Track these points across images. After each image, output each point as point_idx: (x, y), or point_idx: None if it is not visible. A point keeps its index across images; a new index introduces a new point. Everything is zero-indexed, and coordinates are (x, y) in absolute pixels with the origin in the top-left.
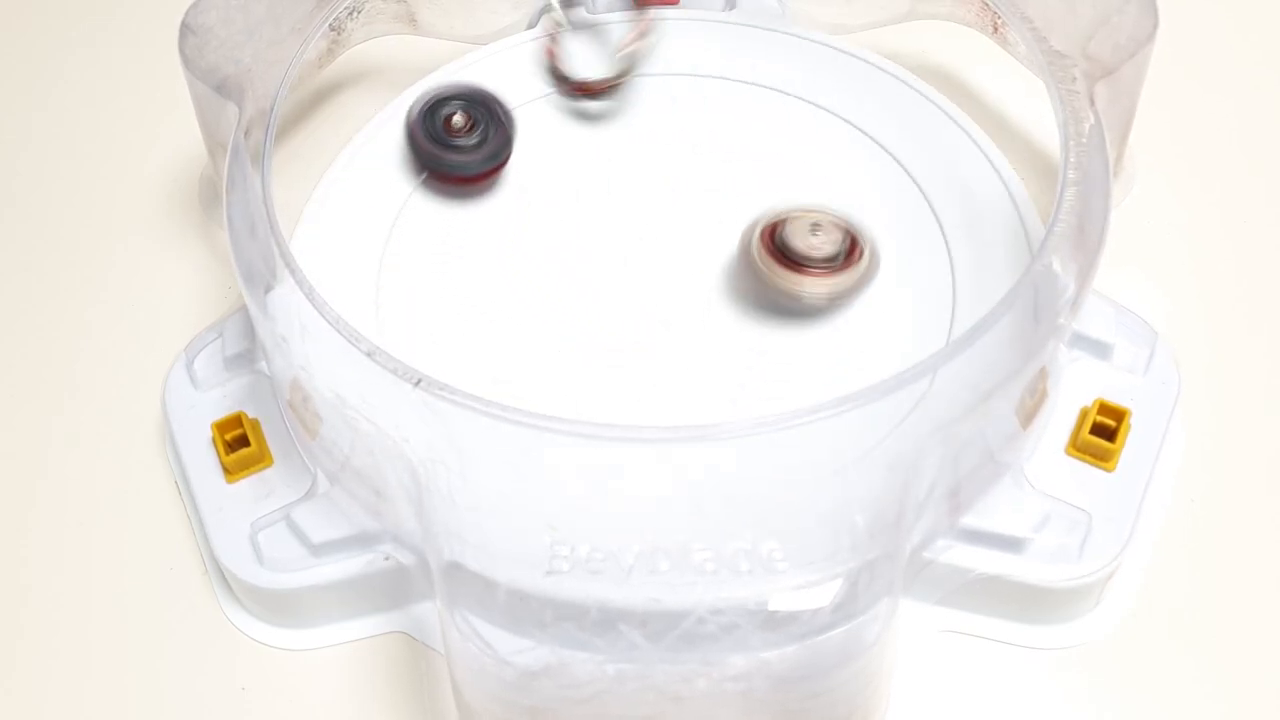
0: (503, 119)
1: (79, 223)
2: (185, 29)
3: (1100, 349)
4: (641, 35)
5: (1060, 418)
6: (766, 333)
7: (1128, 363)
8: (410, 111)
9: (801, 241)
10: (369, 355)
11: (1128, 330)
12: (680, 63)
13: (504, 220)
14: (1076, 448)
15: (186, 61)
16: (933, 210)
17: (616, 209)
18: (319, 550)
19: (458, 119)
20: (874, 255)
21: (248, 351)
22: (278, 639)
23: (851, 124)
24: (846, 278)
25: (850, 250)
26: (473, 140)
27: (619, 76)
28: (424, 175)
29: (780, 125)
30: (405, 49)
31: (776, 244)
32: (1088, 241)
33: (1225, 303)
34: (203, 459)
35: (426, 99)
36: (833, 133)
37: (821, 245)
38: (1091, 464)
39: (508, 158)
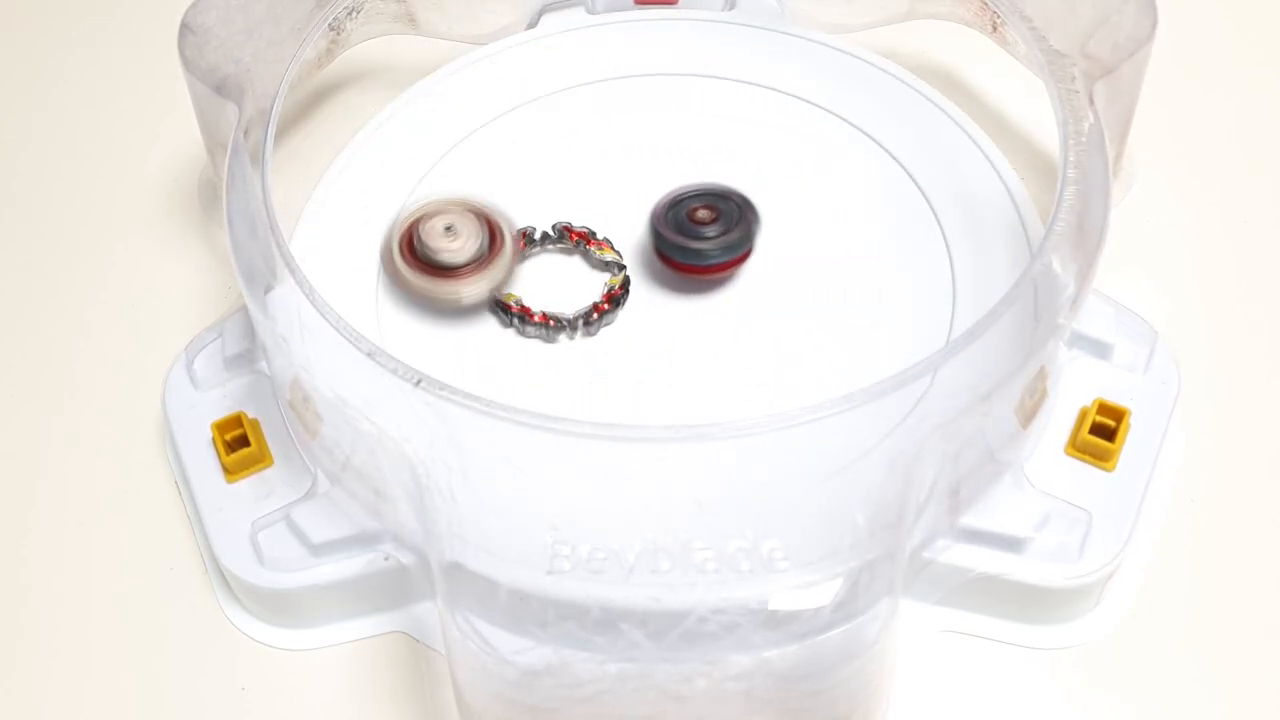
0: (747, 214)
1: (79, 223)
2: (185, 29)
3: (1100, 348)
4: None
5: (1060, 417)
6: (766, 332)
7: (1127, 362)
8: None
9: (441, 246)
10: (369, 355)
11: (1127, 330)
12: (680, 63)
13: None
14: (1076, 447)
15: (186, 61)
16: (933, 210)
17: (615, 209)
18: (319, 550)
19: (703, 213)
20: (511, 235)
21: (248, 351)
22: (278, 639)
23: (851, 124)
24: (497, 270)
25: (492, 241)
26: (714, 231)
27: None
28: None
29: (780, 125)
30: (405, 49)
31: (419, 254)
32: (1087, 241)
33: (1225, 302)
34: (203, 459)
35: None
36: (833, 133)
37: (463, 247)
38: (1091, 464)
39: (749, 251)
